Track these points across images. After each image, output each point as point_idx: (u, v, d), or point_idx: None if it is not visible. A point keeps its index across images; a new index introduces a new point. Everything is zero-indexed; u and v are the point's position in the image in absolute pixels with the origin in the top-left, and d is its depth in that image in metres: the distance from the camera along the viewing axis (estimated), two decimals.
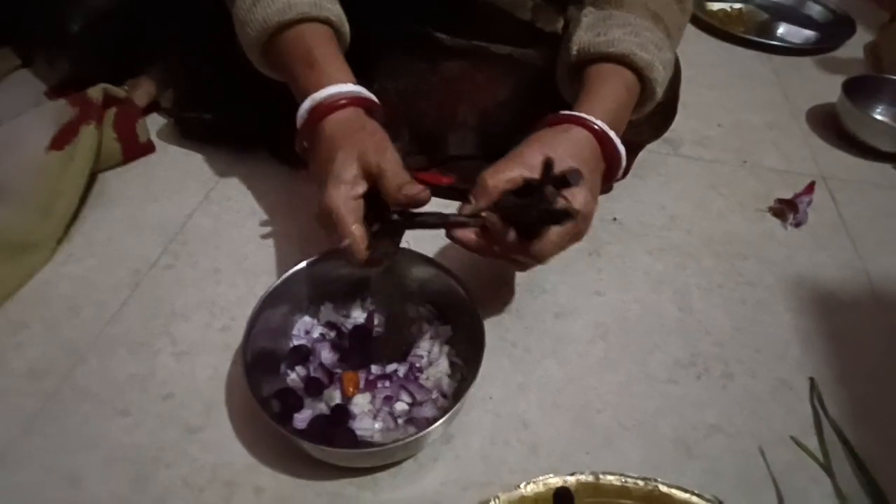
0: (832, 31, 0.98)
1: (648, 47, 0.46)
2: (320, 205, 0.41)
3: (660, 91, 0.48)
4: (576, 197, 0.40)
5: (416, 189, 0.39)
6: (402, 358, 0.45)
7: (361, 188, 0.40)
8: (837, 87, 0.76)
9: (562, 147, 0.42)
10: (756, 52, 0.94)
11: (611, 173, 0.47)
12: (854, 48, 0.97)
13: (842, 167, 0.72)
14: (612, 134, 0.44)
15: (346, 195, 0.40)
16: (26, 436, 0.42)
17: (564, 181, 0.36)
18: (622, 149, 0.45)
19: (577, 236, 0.43)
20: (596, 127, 0.43)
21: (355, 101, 0.43)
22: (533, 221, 0.39)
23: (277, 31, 0.45)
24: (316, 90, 0.43)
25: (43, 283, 0.52)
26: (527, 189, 0.40)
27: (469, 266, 0.50)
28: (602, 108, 0.44)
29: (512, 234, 0.39)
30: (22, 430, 0.42)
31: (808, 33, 0.98)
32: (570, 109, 0.45)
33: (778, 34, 0.98)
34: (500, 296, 0.53)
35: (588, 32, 0.48)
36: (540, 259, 0.41)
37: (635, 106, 0.49)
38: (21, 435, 0.42)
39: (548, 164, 0.37)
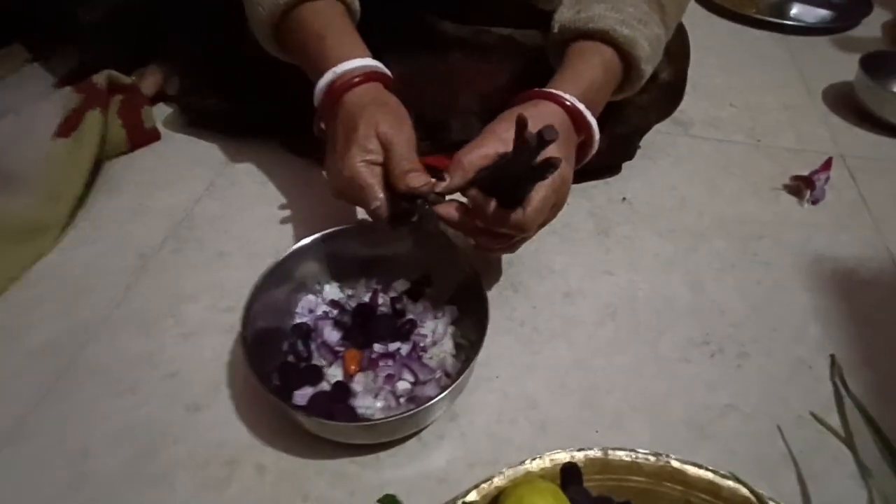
0: (848, 10, 0.95)
1: (631, 23, 0.45)
2: (343, 173, 0.41)
3: (646, 68, 0.47)
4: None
5: (418, 181, 0.40)
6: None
7: (382, 158, 0.41)
8: (854, 66, 0.74)
9: (533, 120, 0.41)
10: (770, 32, 0.92)
11: (585, 150, 0.46)
12: (871, 27, 0.94)
13: (861, 145, 0.70)
14: (581, 107, 0.43)
15: (368, 162, 0.41)
16: (38, 411, 0.43)
17: (540, 139, 0.33)
18: (594, 123, 0.44)
19: (557, 205, 0.42)
20: (567, 103, 0.43)
21: (374, 75, 0.44)
22: (515, 183, 0.37)
23: (289, 9, 0.45)
24: (334, 65, 0.43)
25: (54, 265, 0.53)
26: (501, 163, 0.39)
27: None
28: (574, 85, 0.44)
29: (493, 205, 0.39)
30: (34, 405, 0.43)
31: (823, 12, 0.95)
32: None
33: (792, 14, 0.96)
34: (507, 275, 0.53)
35: (570, 10, 0.47)
36: (525, 227, 0.40)
37: (622, 84, 0.48)
38: (33, 410, 0.43)
39: (521, 123, 0.35)
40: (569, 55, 0.46)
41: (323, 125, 0.46)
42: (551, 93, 0.43)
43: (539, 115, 0.42)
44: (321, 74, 0.43)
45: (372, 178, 0.41)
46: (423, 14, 0.57)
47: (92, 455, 0.40)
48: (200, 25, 0.65)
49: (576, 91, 0.44)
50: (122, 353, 0.46)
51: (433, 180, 0.40)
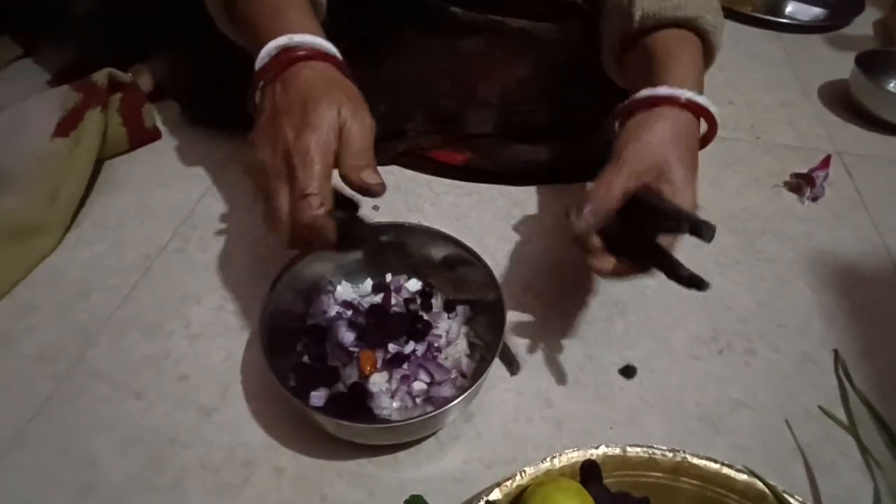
0: (841, 9, 0.97)
1: (711, 10, 0.44)
2: (294, 146, 0.33)
3: (716, 57, 0.45)
4: (683, 201, 0.38)
5: (373, 180, 0.34)
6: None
7: (336, 145, 0.34)
8: (848, 64, 0.75)
9: (667, 147, 0.39)
10: (764, 30, 0.93)
11: (709, 136, 0.43)
12: (863, 25, 0.96)
13: (857, 142, 0.71)
14: (700, 100, 0.40)
15: (325, 142, 0.34)
16: (40, 418, 0.41)
17: (695, 232, 0.35)
18: (716, 112, 0.41)
19: None
20: (694, 103, 0.40)
21: (330, 58, 0.38)
22: (651, 249, 0.38)
23: None
24: (290, 33, 0.36)
25: (53, 267, 0.51)
26: (633, 204, 0.38)
27: (490, 245, 0.49)
28: (690, 76, 0.41)
29: (617, 265, 0.38)
30: (35, 412, 0.42)
31: (817, 11, 0.97)
32: (622, 84, 0.43)
33: (786, 12, 0.97)
34: (517, 273, 0.53)
35: None
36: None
37: None
38: (35, 417, 0.41)
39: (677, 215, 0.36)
40: (661, 44, 0.43)
41: (260, 89, 0.38)
42: (671, 97, 0.39)
43: (665, 131, 0.39)
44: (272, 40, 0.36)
45: (321, 155, 0.33)
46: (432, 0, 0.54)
47: (98, 464, 0.39)
48: (197, 20, 0.64)
49: (691, 83, 0.40)
50: (127, 357, 0.45)
51: (384, 187, 0.35)
